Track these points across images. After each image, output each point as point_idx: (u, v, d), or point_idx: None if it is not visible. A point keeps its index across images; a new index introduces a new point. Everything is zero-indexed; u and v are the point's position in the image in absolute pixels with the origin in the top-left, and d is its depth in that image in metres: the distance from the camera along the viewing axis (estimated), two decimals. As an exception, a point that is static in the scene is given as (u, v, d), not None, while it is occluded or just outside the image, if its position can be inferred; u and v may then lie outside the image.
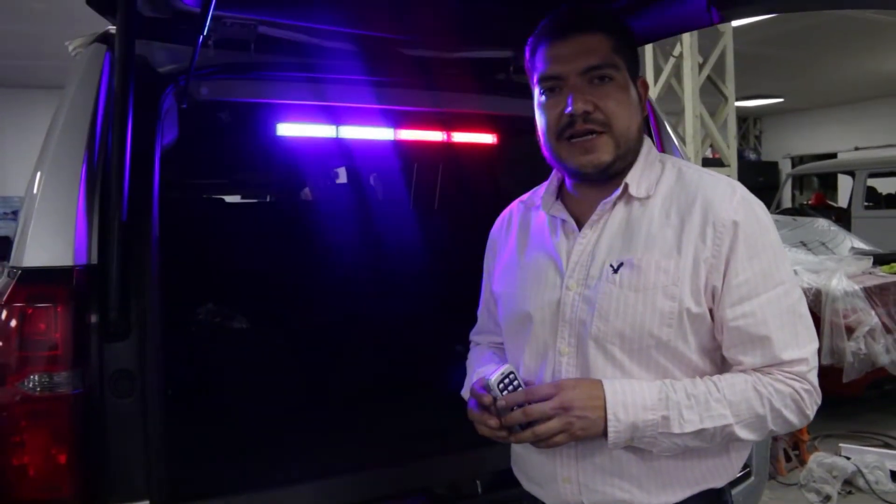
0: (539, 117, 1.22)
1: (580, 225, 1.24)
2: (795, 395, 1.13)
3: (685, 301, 1.12)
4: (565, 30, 1.19)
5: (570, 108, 1.15)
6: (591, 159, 1.18)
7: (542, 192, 1.33)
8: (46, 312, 1.37)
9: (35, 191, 1.48)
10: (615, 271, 1.16)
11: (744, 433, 1.12)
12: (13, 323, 1.36)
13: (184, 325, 2.67)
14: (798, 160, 13.27)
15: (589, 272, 1.18)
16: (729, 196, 1.16)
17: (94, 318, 1.42)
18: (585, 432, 1.10)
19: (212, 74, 1.77)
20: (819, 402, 1.16)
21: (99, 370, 1.42)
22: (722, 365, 1.19)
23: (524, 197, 1.41)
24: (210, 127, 2.13)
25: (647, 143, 1.27)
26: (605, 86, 1.16)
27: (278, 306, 2.88)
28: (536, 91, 1.23)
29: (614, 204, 1.21)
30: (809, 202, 9.52)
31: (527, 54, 1.24)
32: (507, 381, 1.14)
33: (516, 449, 1.32)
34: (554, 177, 1.32)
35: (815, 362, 1.16)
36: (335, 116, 2.23)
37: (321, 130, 2.25)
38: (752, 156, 13.98)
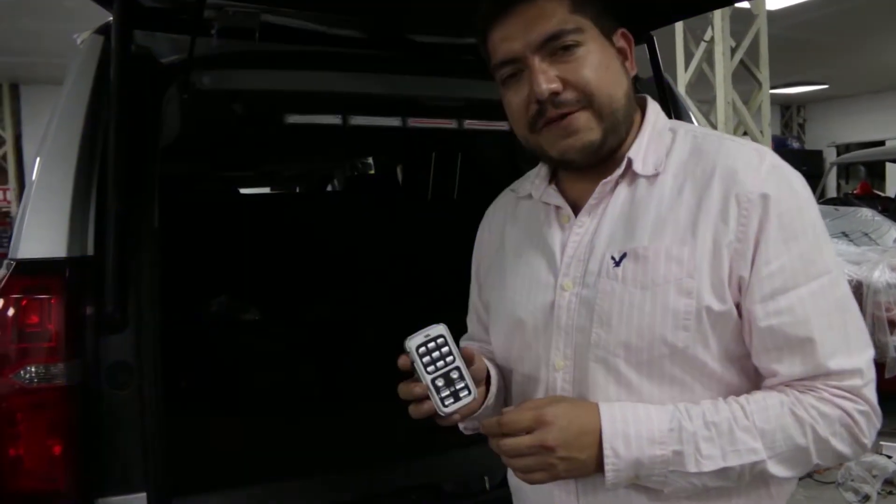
0: (507, 111, 1.03)
1: (577, 211, 1.04)
2: (847, 418, 0.90)
3: (704, 297, 0.92)
4: (507, 1, 0.98)
5: (536, 94, 0.96)
6: (574, 142, 0.98)
7: (532, 176, 1.14)
8: (40, 304, 1.37)
9: (33, 182, 1.48)
10: (617, 264, 0.96)
11: (779, 469, 0.91)
12: (7, 314, 1.35)
13: (197, 317, 2.68)
14: (843, 148, 12.85)
15: (587, 267, 0.99)
16: (756, 163, 0.94)
17: (89, 310, 1.42)
18: (572, 474, 0.92)
19: (214, 63, 1.75)
20: (879, 424, 0.93)
21: (95, 362, 1.41)
22: (756, 376, 0.97)
23: (514, 184, 1.21)
24: (217, 117, 2.12)
25: (654, 109, 1.06)
26: (571, 54, 0.96)
27: (292, 300, 2.87)
28: (498, 82, 1.03)
29: (616, 184, 1.01)
30: (855, 192, 9.19)
31: (479, 41, 1.05)
32: (432, 345, 0.95)
33: (513, 481, 1.14)
34: None
35: (871, 374, 0.93)
36: (347, 106, 2.19)
37: (331, 120, 2.22)
38: (796, 144, 13.61)
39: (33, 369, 1.37)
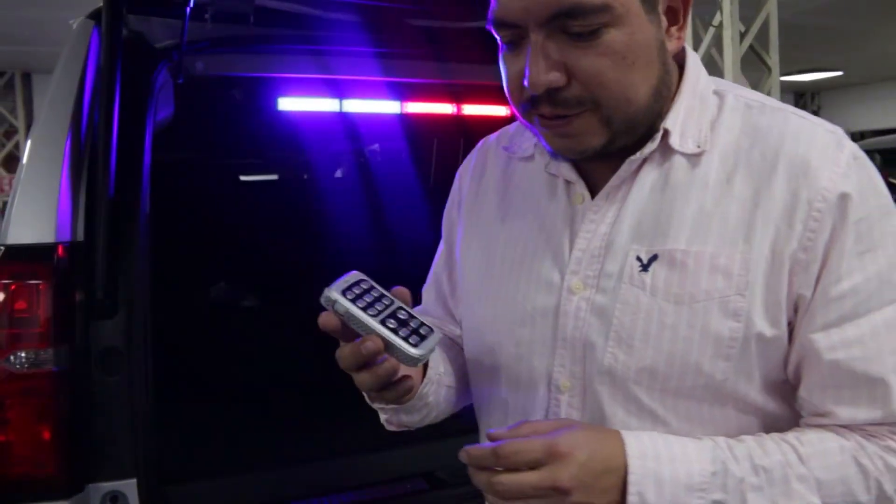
0: (503, 75, 0.79)
1: (593, 191, 0.81)
2: None
3: (755, 321, 0.73)
4: None
5: (526, 83, 0.72)
6: (571, 145, 0.77)
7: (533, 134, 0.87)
8: (30, 290, 1.37)
9: (22, 166, 1.48)
10: (644, 268, 0.76)
11: None
12: (-5, 300, 1.36)
13: (194, 304, 2.68)
14: (858, 136, 12.68)
15: (604, 267, 0.78)
16: (833, 152, 0.74)
17: (79, 296, 1.41)
18: None
19: (207, 49, 1.73)
20: None
21: (85, 348, 1.41)
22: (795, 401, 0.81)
23: (504, 138, 0.95)
24: (213, 102, 2.11)
25: (694, 68, 0.82)
26: (590, 39, 0.70)
27: (290, 286, 2.86)
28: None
29: (644, 162, 0.79)
30: (869, 180, 9.09)
31: None
32: (357, 290, 0.73)
33: None
34: None
35: None
36: (342, 90, 2.17)
37: (327, 105, 2.21)
38: (809, 132, 13.49)
39: (23, 355, 1.37)
